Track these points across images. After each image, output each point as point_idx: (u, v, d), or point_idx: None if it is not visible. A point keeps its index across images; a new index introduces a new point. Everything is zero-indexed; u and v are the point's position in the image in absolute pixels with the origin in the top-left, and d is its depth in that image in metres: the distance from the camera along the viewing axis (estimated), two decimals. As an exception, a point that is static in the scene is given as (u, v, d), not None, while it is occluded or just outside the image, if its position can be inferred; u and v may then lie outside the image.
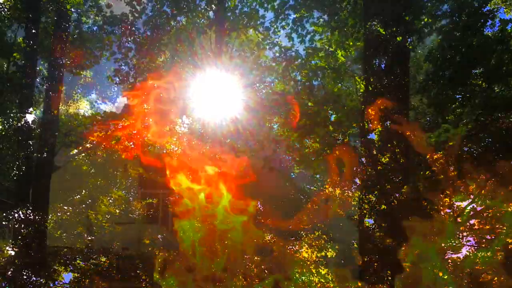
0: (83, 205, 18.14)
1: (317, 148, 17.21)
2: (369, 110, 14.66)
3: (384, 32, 14.14)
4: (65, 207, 18.11)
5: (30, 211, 14.64)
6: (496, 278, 12.85)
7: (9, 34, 18.52)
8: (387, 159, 14.30)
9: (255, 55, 18.10)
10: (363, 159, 16.73)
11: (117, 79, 18.07)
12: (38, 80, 18.36)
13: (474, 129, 13.82)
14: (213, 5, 17.62)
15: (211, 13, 17.85)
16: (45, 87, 18.06)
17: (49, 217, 15.43)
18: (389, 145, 14.34)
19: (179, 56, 17.84)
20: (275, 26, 17.36)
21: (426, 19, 15.22)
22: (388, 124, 14.59)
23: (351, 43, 16.58)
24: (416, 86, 16.89)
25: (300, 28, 16.94)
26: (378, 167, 14.47)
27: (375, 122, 14.31)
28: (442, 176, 13.70)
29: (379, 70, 14.30)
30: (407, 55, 14.50)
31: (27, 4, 17.12)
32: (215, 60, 17.08)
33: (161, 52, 17.83)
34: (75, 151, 19.94)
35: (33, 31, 17.03)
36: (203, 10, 17.83)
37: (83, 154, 16.90)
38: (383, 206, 14.62)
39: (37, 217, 14.39)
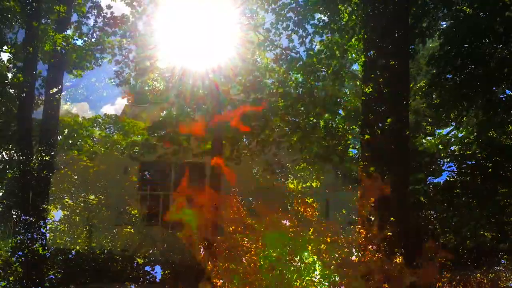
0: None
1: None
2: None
3: (384, 33, 13.84)
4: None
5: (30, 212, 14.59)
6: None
7: (10, 36, 18.25)
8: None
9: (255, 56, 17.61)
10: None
11: (118, 81, 17.65)
12: (38, 82, 17.92)
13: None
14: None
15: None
16: (44, 89, 17.73)
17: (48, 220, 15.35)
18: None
19: None
20: (275, 28, 16.89)
21: (427, 21, 14.81)
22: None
23: (350, 44, 16.28)
24: (416, 87, 16.97)
25: (301, 29, 16.48)
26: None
27: None
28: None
29: (379, 71, 14.05)
30: (407, 56, 14.13)
31: (27, 6, 16.68)
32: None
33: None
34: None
35: (33, 33, 16.60)
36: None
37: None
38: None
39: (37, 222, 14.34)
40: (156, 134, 17.64)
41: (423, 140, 15.35)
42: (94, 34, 18.71)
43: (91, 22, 18.62)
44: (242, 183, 19.70)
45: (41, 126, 16.96)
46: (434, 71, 14.03)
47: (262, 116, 17.00)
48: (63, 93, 20.42)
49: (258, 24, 17.13)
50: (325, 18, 16.32)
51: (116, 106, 49.83)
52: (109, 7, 17.49)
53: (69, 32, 17.91)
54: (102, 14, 18.11)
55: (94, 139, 19.05)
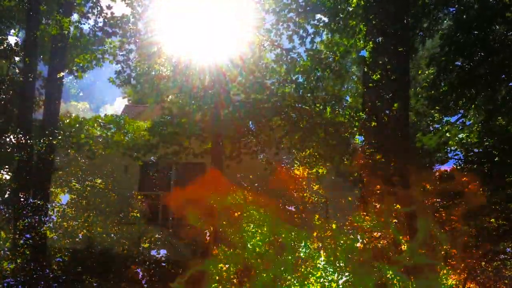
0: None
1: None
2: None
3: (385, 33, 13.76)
4: None
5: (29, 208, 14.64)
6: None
7: (10, 36, 18.28)
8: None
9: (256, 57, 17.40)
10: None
11: (119, 81, 17.53)
12: (38, 82, 17.86)
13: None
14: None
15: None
16: (44, 89, 17.61)
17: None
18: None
19: None
20: (276, 28, 16.72)
21: (427, 21, 14.65)
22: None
23: (351, 44, 16.14)
24: (416, 86, 16.78)
25: (302, 30, 16.33)
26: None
27: None
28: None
29: (380, 71, 13.95)
30: (407, 56, 13.98)
31: (28, 6, 16.57)
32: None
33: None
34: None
35: (34, 33, 16.46)
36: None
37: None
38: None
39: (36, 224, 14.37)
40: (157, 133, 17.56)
41: (422, 137, 15.27)
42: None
43: (91, 22, 18.41)
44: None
45: (41, 126, 16.94)
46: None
47: (263, 116, 16.94)
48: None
49: (258, 25, 16.97)
50: (325, 19, 16.22)
51: (115, 106, 49.94)
52: (109, 7, 17.32)
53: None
54: (103, 14, 17.93)
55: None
